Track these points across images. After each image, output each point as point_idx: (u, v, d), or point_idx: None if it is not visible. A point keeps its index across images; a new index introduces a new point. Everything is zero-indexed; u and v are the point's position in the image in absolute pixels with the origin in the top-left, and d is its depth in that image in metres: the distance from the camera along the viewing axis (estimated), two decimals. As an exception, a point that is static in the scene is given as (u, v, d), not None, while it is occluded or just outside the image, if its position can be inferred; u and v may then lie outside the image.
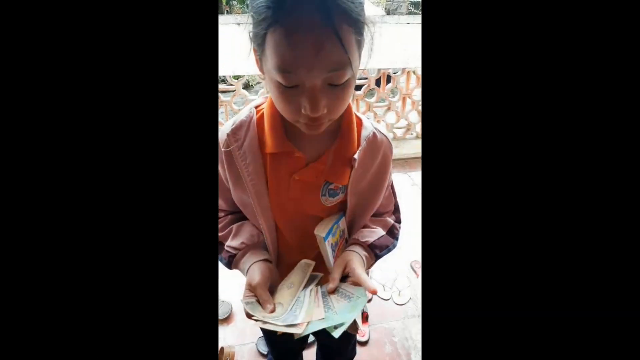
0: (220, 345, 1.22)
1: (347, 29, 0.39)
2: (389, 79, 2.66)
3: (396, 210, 0.69)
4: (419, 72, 2.65)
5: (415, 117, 2.84)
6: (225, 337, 1.35)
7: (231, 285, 1.48)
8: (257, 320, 0.49)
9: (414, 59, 2.54)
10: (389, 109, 2.74)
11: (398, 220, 0.68)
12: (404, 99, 2.74)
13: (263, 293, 0.52)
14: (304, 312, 0.49)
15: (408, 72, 2.67)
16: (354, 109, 0.57)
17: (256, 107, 0.57)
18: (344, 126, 0.55)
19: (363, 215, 0.62)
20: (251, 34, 0.43)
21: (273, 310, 0.50)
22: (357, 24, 0.40)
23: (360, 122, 0.57)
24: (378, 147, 0.57)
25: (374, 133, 0.56)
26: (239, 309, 1.44)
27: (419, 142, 2.87)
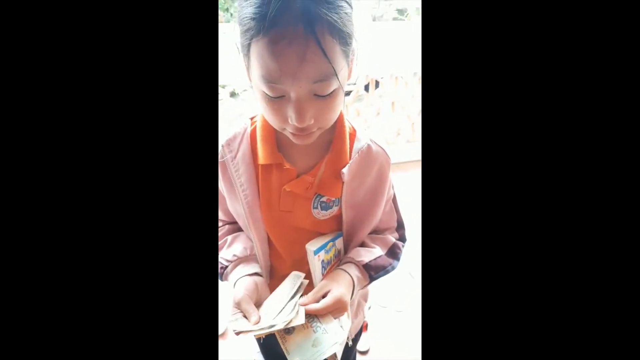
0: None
1: (330, 40, 0.39)
2: (377, 84, 2.68)
3: (399, 227, 0.66)
4: (407, 77, 2.68)
5: (405, 122, 2.86)
6: (221, 353, 1.32)
7: (224, 301, 1.46)
8: (240, 332, 0.49)
9: (401, 65, 2.56)
10: (378, 114, 2.75)
11: (402, 239, 0.65)
12: (392, 104, 2.76)
13: (247, 307, 0.51)
14: (288, 317, 0.49)
15: (396, 78, 2.70)
16: (345, 117, 0.56)
17: (251, 118, 0.57)
18: (336, 138, 0.54)
19: (360, 231, 0.60)
20: (238, 44, 0.43)
21: (258, 322, 0.49)
22: (341, 34, 0.40)
23: (354, 133, 0.56)
24: (373, 160, 0.56)
25: (368, 145, 0.55)
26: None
27: (408, 147, 2.89)
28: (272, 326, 0.47)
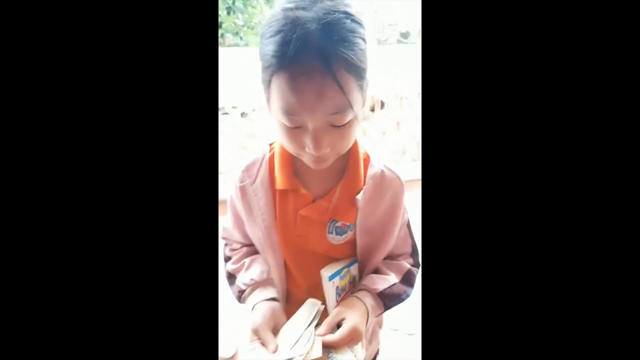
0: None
1: (346, 76, 0.41)
2: (382, 104, 2.73)
3: (414, 253, 0.66)
4: (411, 97, 2.73)
5: (410, 141, 2.89)
6: (231, 377, 1.30)
7: (237, 324, 1.44)
8: None
9: (405, 86, 2.62)
10: (384, 133, 2.79)
11: (416, 265, 0.65)
12: (397, 123, 2.80)
13: (265, 335, 0.52)
14: (304, 348, 0.49)
15: (401, 98, 2.75)
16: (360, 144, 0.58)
17: (270, 144, 0.59)
18: (350, 164, 0.56)
19: (375, 256, 0.60)
20: (261, 78, 0.46)
21: (275, 350, 0.50)
22: (357, 70, 0.42)
23: (367, 159, 0.57)
24: (387, 186, 0.57)
25: (382, 171, 0.56)
26: (244, 350, 1.39)
27: (414, 165, 2.91)
28: (290, 359, 0.47)
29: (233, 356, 1.38)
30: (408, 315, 1.56)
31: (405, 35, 2.79)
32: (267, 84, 0.44)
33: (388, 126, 2.79)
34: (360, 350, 0.52)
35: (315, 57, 0.40)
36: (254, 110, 2.52)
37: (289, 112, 0.43)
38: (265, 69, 0.43)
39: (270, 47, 0.41)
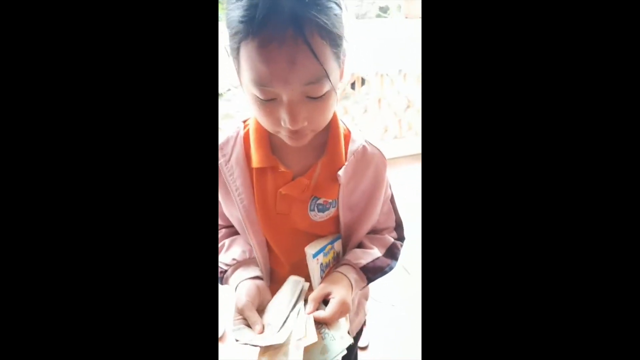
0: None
1: (321, 42, 0.39)
2: (362, 81, 2.70)
3: (398, 227, 0.66)
4: (392, 74, 2.71)
5: (392, 119, 2.89)
6: (220, 356, 1.31)
7: (223, 305, 1.45)
8: (246, 344, 0.48)
9: (385, 62, 2.59)
10: (365, 111, 2.77)
11: (400, 238, 0.66)
12: (378, 101, 2.79)
13: (251, 315, 0.51)
14: (297, 331, 0.49)
15: (381, 75, 2.72)
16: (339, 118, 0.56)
17: (243, 121, 0.57)
18: (330, 139, 0.54)
19: (358, 232, 0.60)
20: (227, 47, 0.43)
21: (262, 331, 0.49)
22: (331, 36, 0.40)
23: (348, 135, 0.56)
24: (368, 161, 0.56)
25: (363, 146, 0.55)
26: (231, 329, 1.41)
27: (396, 143, 2.92)
28: (282, 343, 0.47)
29: (221, 337, 1.39)
30: (391, 287, 1.61)
31: (384, 9, 2.73)
32: (236, 53, 0.41)
33: (369, 104, 2.77)
34: (344, 323, 0.52)
35: (286, 22, 0.37)
36: (229, 90, 2.44)
37: (260, 83, 0.40)
38: (232, 36, 0.40)
39: (237, 12, 0.38)
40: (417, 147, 2.92)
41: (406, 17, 2.79)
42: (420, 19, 2.68)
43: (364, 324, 0.79)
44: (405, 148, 2.91)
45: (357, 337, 0.79)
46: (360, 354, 1.29)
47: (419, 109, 2.86)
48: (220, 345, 1.36)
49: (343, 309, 0.51)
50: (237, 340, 0.49)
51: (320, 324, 0.50)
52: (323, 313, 0.50)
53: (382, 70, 2.68)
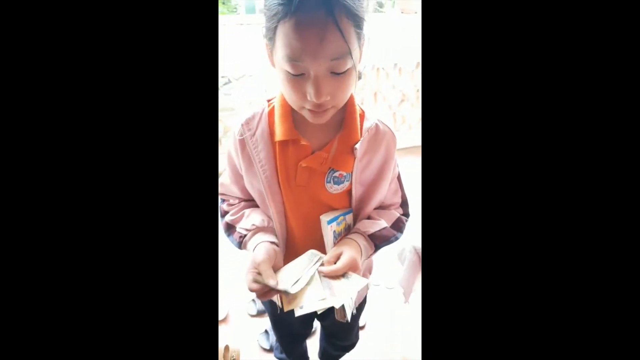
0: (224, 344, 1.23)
1: (347, 22, 0.45)
2: (359, 75, 2.74)
3: (404, 204, 0.72)
4: (387, 68, 2.76)
5: (387, 112, 2.95)
6: (223, 338, 1.35)
7: (227, 289, 1.49)
8: (258, 288, 0.52)
9: (381, 56, 2.64)
10: (362, 104, 2.81)
11: (406, 214, 0.71)
12: (374, 94, 2.84)
13: (267, 269, 0.55)
14: (304, 287, 0.53)
15: (377, 69, 2.77)
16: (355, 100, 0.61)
17: (268, 100, 0.62)
18: (347, 117, 0.60)
19: (368, 206, 0.65)
20: (264, 29, 0.48)
21: (276, 286, 0.54)
22: (356, 18, 0.46)
23: (363, 114, 0.62)
24: (381, 138, 0.62)
25: (377, 124, 0.61)
26: (234, 311, 1.45)
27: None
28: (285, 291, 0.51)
29: (225, 319, 1.43)
30: (387, 271, 1.67)
31: (381, 4, 2.78)
32: (272, 33, 0.47)
33: (365, 97, 2.82)
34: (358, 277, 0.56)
35: (319, 5, 0.43)
36: (225, 83, 2.44)
37: (293, 58, 0.46)
38: (270, 17, 0.46)
39: None
40: (410, 141, 2.99)
41: (402, 13, 2.85)
42: (416, 14, 2.74)
43: (365, 298, 0.84)
44: (399, 141, 2.95)
45: (359, 309, 0.84)
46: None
47: (413, 103, 2.93)
48: (223, 327, 1.40)
49: (352, 264, 0.56)
50: (251, 287, 0.53)
51: (330, 277, 0.55)
52: (334, 266, 0.55)
53: (378, 64, 2.73)
